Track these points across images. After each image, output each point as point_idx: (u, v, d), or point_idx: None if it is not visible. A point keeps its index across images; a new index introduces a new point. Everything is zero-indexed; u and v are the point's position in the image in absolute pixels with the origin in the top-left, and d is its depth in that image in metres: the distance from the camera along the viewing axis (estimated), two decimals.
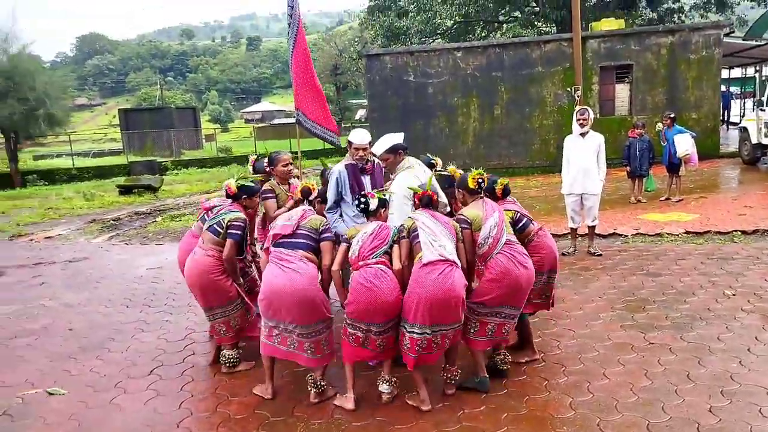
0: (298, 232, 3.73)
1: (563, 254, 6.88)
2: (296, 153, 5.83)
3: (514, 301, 3.69)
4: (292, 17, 4.94)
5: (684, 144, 9.31)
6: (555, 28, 22.92)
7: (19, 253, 9.12)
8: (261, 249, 4.55)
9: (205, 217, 4.36)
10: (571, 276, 6.13)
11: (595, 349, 4.29)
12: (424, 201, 3.73)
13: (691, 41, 14.64)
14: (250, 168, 4.96)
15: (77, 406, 3.88)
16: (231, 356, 4.23)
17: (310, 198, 4.08)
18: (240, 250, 4.13)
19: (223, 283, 4.03)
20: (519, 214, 4.08)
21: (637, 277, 5.94)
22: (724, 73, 20.26)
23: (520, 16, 25.31)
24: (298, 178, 5.14)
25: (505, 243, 3.67)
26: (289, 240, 3.71)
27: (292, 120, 6.00)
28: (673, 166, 9.69)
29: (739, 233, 7.37)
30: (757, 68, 21.12)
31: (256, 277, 4.47)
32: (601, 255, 6.80)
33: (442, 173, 4.67)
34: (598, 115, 11.59)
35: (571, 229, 7.07)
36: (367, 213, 3.74)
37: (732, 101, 24.43)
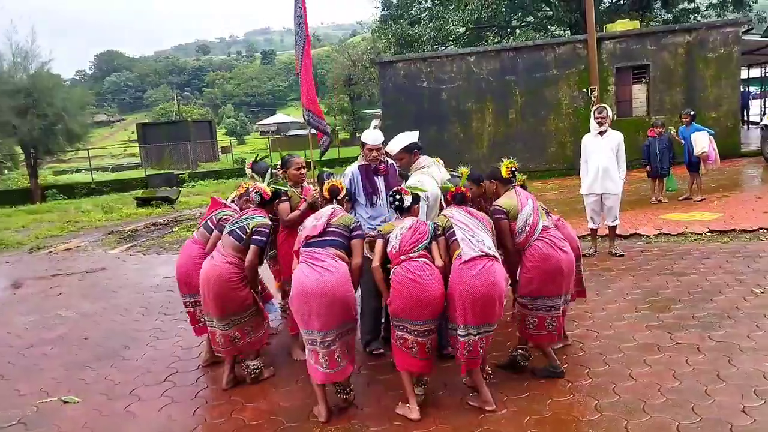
0: (329, 230, 3.60)
1: (583, 255, 6.73)
2: (310, 161, 5.73)
3: (557, 288, 3.70)
4: (300, 17, 4.91)
5: (701, 142, 9.10)
6: (569, 31, 22.76)
7: (38, 265, 9.20)
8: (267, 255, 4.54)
9: (209, 223, 4.29)
10: (592, 277, 5.97)
11: (620, 350, 4.15)
12: (458, 198, 3.73)
13: (709, 39, 14.38)
14: (248, 170, 4.78)
15: (91, 414, 3.84)
16: (254, 366, 4.03)
17: (338, 197, 3.91)
18: (261, 257, 4.04)
19: (241, 291, 3.87)
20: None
21: (661, 276, 5.77)
22: (743, 73, 19.85)
23: (533, 20, 25.21)
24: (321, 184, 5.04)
25: (542, 229, 3.71)
26: (319, 239, 3.58)
27: (306, 131, 5.88)
28: (693, 165, 9.47)
29: (765, 231, 7.14)
30: None
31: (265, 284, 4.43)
32: (623, 255, 6.63)
33: (453, 174, 4.58)
34: (615, 116, 11.39)
35: (591, 229, 6.91)
36: (401, 209, 3.66)
37: (751, 101, 23.95)
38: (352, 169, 4.50)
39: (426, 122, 15.73)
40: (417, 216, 3.71)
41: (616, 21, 16.64)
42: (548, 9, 24.25)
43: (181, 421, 3.66)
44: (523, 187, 4.08)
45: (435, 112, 16.02)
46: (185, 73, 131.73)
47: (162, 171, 27.49)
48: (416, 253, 3.41)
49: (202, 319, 4.24)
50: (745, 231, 7.24)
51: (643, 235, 7.58)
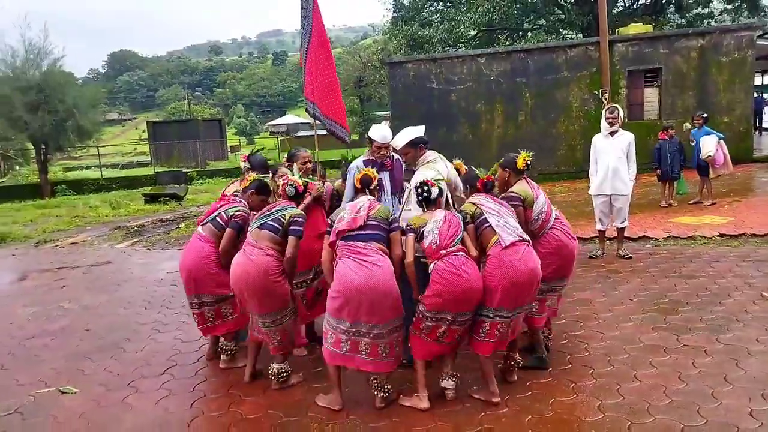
0: (369, 223, 3.47)
1: (590, 257, 6.66)
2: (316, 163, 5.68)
3: (568, 272, 3.95)
4: (307, 10, 4.88)
5: (708, 145, 8.99)
6: (581, 35, 22.62)
7: (44, 258, 9.23)
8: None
9: (219, 220, 4.10)
10: (599, 279, 5.89)
11: (625, 351, 4.07)
12: (489, 187, 3.76)
13: (722, 43, 14.21)
14: (243, 164, 4.57)
15: (89, 404, 3.82)
16: (282, 370, 3.81)
17: (371, 187, 3.77)
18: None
19: (282, 285, 3.68)
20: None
21: (669, 279, 5.68)
22: (757, 80, 19.63)
23: (544, 23, 25.07)
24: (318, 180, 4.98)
25: (555, 218, 3.93)
26: (360, 232, 3.45)
27: (315, 132, 5.82)
28: (703, 168, 9.35)
29: None
30: None
31: None
32: (631, 258, 6.53)
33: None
34: (626, 119, 11.27)
35: (599, 231, 6.82)
36: (428, 202, 3.60)
37: (765, 107, 23.67)
38: (358, 163, 4.45)
39: (435, 123, 15.64)
40: (442, 208, 3.66)
41: (629, 25, 16.49)
42: (560, 12, 24.09)
43: (178, 414, 3.62)
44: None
45: (444, 113, 15.95)
46: (197, 73, 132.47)
47: (171, 168, 27.58)
48: (455, 247, 3.39)
49: (210, 318, 4.15)
50: (755, 235, 7.12)
51: (651, 238, 7.47)
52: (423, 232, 3.44)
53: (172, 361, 4.46)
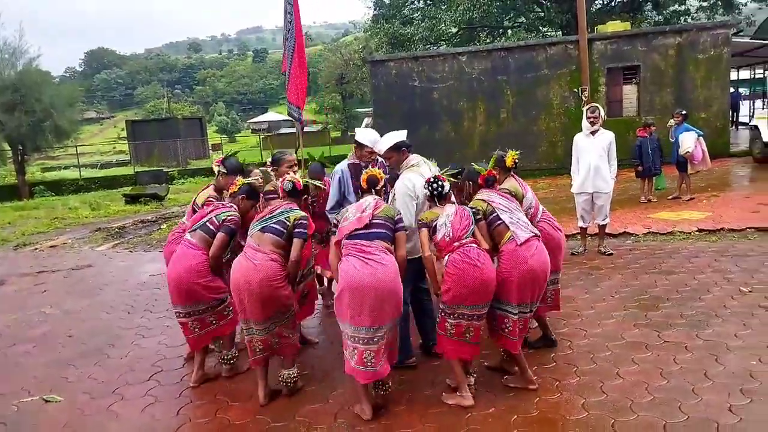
0: (375, 222, 3.47)
1: (573, 254, 6.74)
2: (301, 160, 5.64)
3: (556, 264, 4.07)
4: (292, 14, 4.86)
5: (687, 142, 9.16)
6: (560, 32, 22.83)
7: (23, 262, 9.07)
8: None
9: (210, 226, 3.94)
10: (581, 275, 5.97)
11: (608, 348, 4.14)
12: (490, 182, 3.85)
13: (699, 41, 14.45)
14: (217, 168, 4.37)
15: (73, 413, 3.78)
16: (291, 375, 3.75)
17: (377, 187, 3.72)
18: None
19: (285, 290, 3.61)
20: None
21: (649, 275, 5.78)
22: (733, 75, 19.99)
23: (524, 21, 25.25)
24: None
25: (542, 211, 4.20)
26: (365, 231, 3.44)
27: (295, 129, 5.73)
28: (681, 164, 9.52)
29: (753, 230, 7.17)
30: (766, 68, 20.88)
31: None
32: (612, 254, 6.63)
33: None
34: (605, 117, 11.41)
35: (581, 228, 6.91)
36: (441, 197, 3.63)
37: (741, 102, 24.13)
38: (342, 167, 4.45)
39: (417, 121, 15.71)
40: (453, 202, 3.72)
41: (608, 22, 16.69)
42: (540, 10, 24.29)
43: (165, 421, 3.60)
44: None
45: (426, 112, 15.99)
46: (176, 71, 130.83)
47: (151, 168, 27.26)
48: (468, 239, 3.46)
49: (196, 329, 3.97)
50: (733, 230, 7.27)
51: (632, 234, 7.59)
52: (435, 225, 3.50)
53: (157, 366, 4.43)
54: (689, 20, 23.96)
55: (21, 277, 7.96)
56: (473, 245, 3.46)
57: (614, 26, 15.75)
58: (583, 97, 11.93)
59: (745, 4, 24.93)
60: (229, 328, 4.09)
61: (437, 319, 3.57)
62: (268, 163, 4.86)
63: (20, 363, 4.73)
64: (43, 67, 24.94)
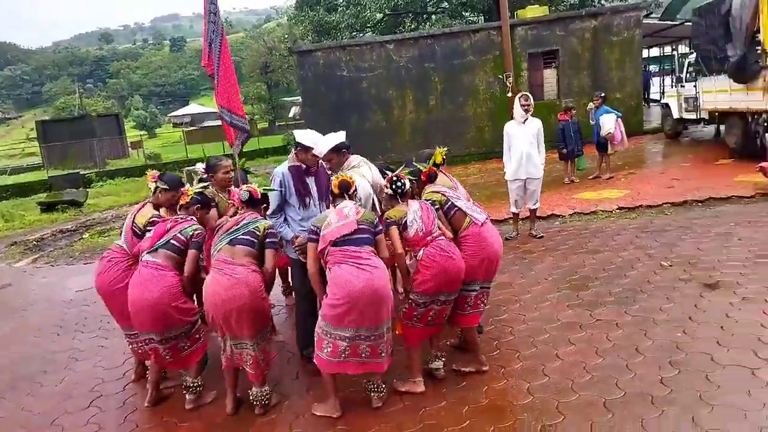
0: (360, 227, 3.45)
1: (506, 239, 6.98)
2: (230, 155, 5.46)
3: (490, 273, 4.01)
4: (216, 14, 4.68)
5: (608, 123, 9.66)
6: (482, 17, 23.29)
7: None
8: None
9: (175, 243, 3.69)
10: (516, 260, 6.20)
11: (546, 331, 4.34)
12: (432, 178, 4.02)
13: (613, 24, 15.20)
14: (155, 184, 4.03)
15: None
16: (264, 394, 3.61)
17: (349, 191, 3.65)
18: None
19: (267, 301, 3.57)
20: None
21: (578, 255, 6.08)
22: (644, 53, 21.11)
23: (447, 6, 25.54)
24: (237, 186, 4.81)
25: (473, 202, 4.17)
26: (352, 237, 3.41)
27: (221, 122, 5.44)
28: (601, 145, 10.04)
29: (669, 205, 7.69)
30: (674, 47, 22.15)
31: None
32: (542, 237, 6.93)
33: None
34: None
35: (513, 213, 7.17)
36: (403, 194, 3.71)
37: (651, 80, 25.59)
38: (282, 170, 4.36)
39: (347, 111, 15.66)
40: (414, 198, 3.84)
41: (527, 7, 17.18)
42: None
43: None
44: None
45: (356, 101, 15.97)
46: (87, 64, 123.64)
47: (66, 171, 25.63)
48: (437, 232, 3.62)
49: (167, 357, 3.71)
50: (650, 206, 7.76)
51: (559, 216, 7.95)
52: (405, 222, 3.58)
53: (96, 392, 4.22)
54: (603, 3, 25.04)
55: None
56: (442, 238, 3.62)
57: (533, 11, 16.24)
58: (508, 83, 12.27)
59: None
60: (199, 354, 3.84)
61: (403, 310, 3.65)
62: (201, 170, 4.68)
63: None
64: None
